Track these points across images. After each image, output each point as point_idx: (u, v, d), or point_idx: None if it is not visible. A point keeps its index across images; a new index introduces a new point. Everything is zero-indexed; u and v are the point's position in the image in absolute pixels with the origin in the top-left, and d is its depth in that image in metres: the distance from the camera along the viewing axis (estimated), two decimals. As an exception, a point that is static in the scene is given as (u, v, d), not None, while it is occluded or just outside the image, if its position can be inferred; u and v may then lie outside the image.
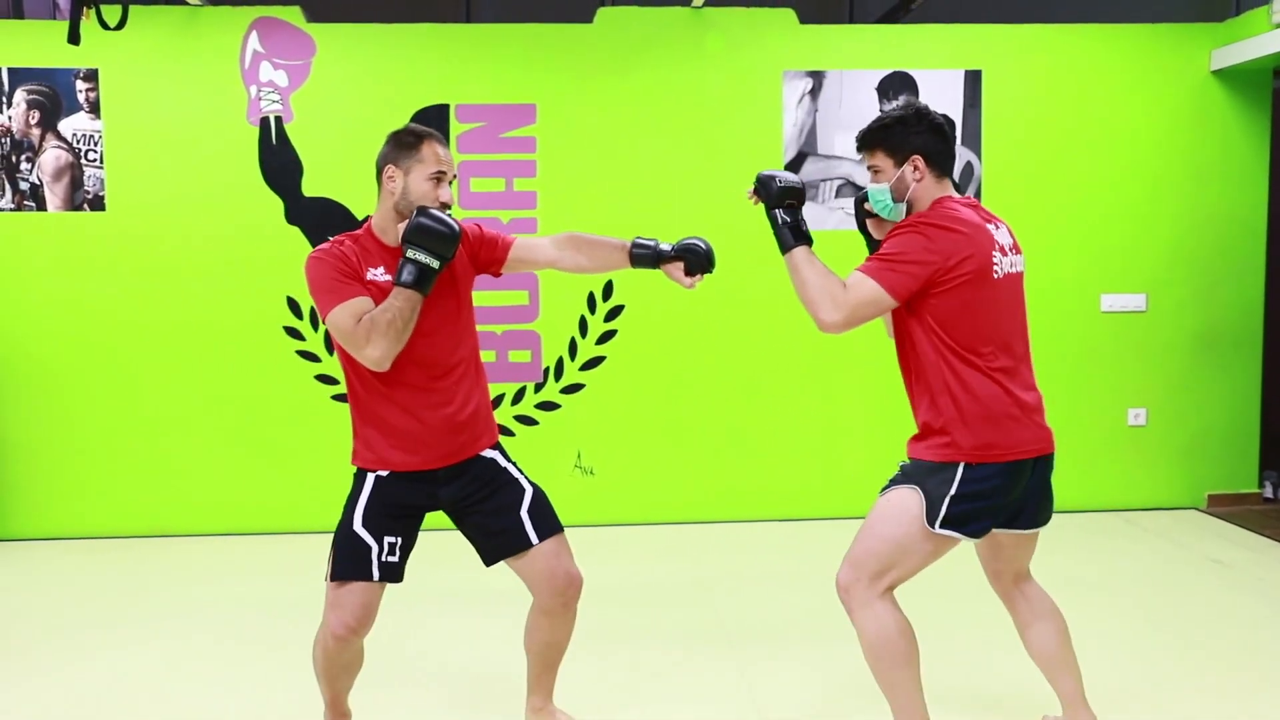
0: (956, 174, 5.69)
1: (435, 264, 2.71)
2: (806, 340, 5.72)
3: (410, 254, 2.71)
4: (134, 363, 5.54)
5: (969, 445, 2.67)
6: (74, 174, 5.47)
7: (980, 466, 2.67)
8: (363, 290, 2.74)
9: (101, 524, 5.57)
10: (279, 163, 5.51)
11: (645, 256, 3.01)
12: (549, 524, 2.94)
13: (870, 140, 2.82)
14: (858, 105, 5.65)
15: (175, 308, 5.53)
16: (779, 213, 2.82)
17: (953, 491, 2.66)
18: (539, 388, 5.69)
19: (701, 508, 5.75)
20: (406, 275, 2.71)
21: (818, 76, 5.64)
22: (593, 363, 5.69)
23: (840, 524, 5.65)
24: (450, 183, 2.87)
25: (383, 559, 2.81)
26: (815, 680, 3.59)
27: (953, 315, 2.66)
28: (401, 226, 2.80)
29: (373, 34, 5.54)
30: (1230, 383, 5.91)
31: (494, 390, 5.66)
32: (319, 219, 5.50)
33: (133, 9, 4.92)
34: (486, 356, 5.64)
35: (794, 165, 5.65)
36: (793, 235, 2.79)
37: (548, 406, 5.70)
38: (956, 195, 2.79)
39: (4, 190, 5.45)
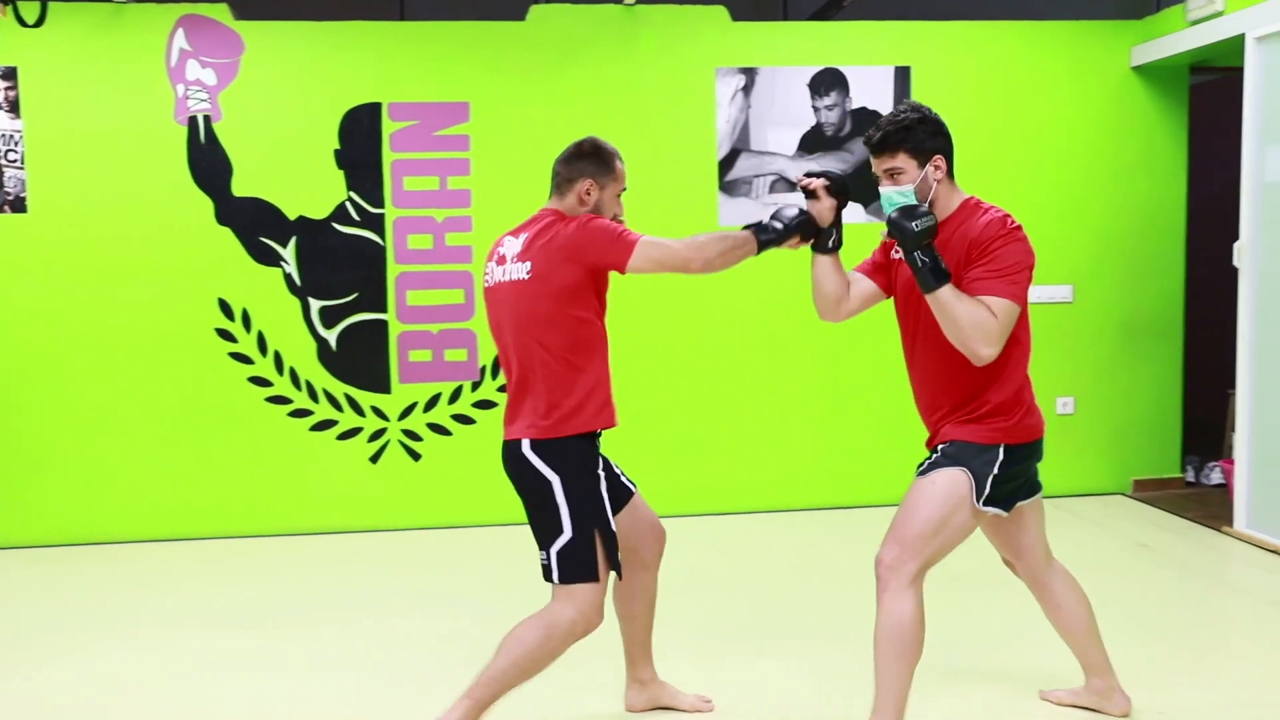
0: (887, 169, 5.77)
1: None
2: (745, 330, 5.77)
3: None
4: (62, 367, 5.42)
5: (1013, 427, 2.83)
6: (-6, 175, 5.33)
7: (1019, 446, 2.84)
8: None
9: (31, 532, 5.44)
10: (208, 162, 5.43)
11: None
12: (629, 479, 3.15)
13: (891, 142, 2.82)
14: (789, 101, 5.71)
15: (103, 311, 5.42)
16: (918, 255, 2.74)
17: (995, 472, 2.80)
18: (476, 386, 5.67)
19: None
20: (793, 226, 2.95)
21: (750, 73, 5.69)
22: (530, 360, 5.68)
23: (787, 516, 5.73)
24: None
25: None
26: (795, 676, 3.62)
27: (1021, 306, 2.79)
28: None
29: (303, 31, 5.48)
30: (1154, 371, 6.06)
31: (430, 390, 5.64)
32: (250, 219, 5.43)
33: (52, 6, 4.83)
34: (423, 356, 5.63)
35: (728, 162, 5.69)
36: (934, 277, 2.73)
37: (485, 405, 5.68)
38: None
39: (-79, 192, 5.30)
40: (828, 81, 5.73)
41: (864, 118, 5.74)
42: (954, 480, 2.80)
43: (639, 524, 3.13)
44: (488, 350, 5.64)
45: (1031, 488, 3.00)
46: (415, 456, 5.65)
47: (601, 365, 2.93)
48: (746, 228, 2.97)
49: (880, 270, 3.05)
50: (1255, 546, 4.97)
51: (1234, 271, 5.18)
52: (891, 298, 3.03)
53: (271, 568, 5.03)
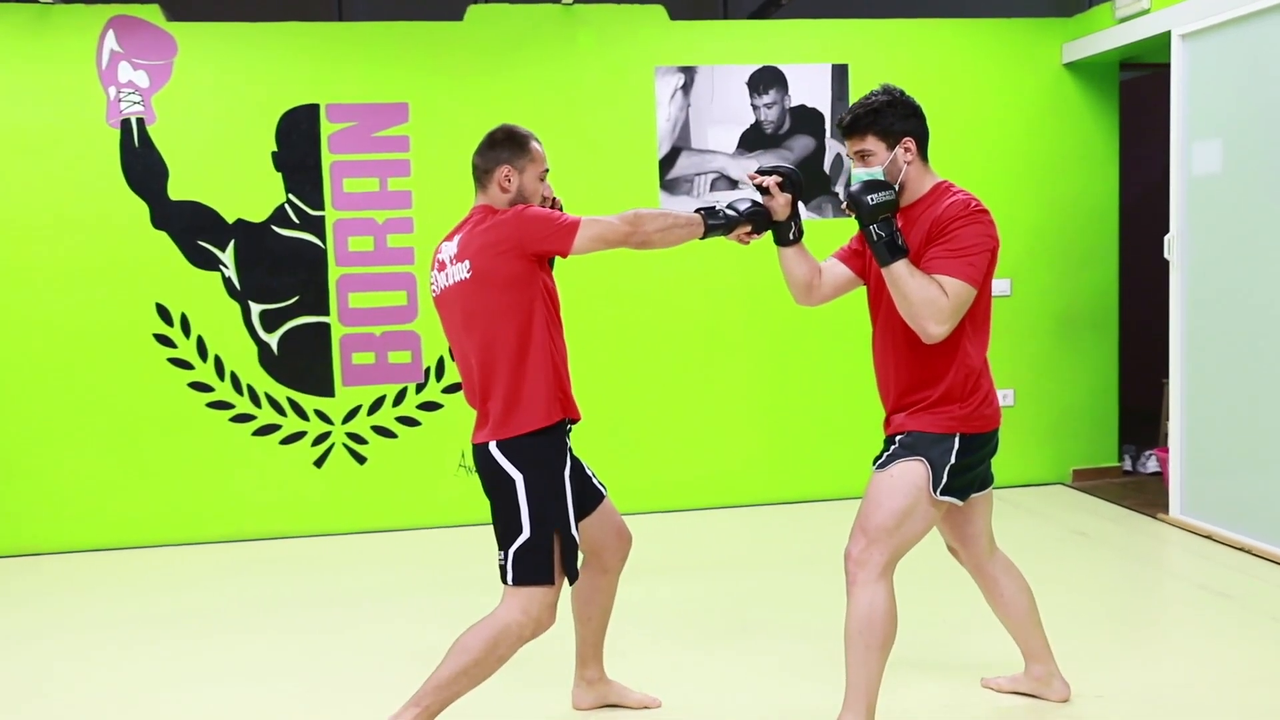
0: (826, 166, 5.83)
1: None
2: (687, 326, 5.79)
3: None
4: (-7, 376, 5.31)
5: (969, 416, 2.84)
6: (-79, 181, 5.21)
7: (975, 436, 2.85)
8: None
9: (-37, 545, 5.34)
10: (143, 166, 5.35)
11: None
12: (600, 481, 3.13)
13: (861, 124, 2.85)
14: (729, 100, 5.74)
15: (38, 316, 5.32)
16: (874, 229, 2.77)
17: (952, 461, 2.81)
18: (420, 388, 5.64)
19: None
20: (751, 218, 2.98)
21: (689, 72, 5.72)
22: (474, 362, 5.66)
23: (745, 511, 5.75)
24: None
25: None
26: (742, 666, 3.64)
27: (980, 293, 2.80)
28: None
29: (238, 33, 5.41)
30: (1090, 363, 6.18)
31: (374, 392, 5.60)
32: (187, 223, 5.35)
33: (-21, 8, 4.73)
34: (366, 358, 5.58)
35: (668, 160, 5.71)
36: (889, 251, 2.75)
37: (430, 407, 5.65)
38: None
39: None
40: (766, 80, 5.77)
41: (803, 115, 5.79)
42: (912, 471, 2.82)
43: (606, 528, 3.12)
44: (431, 352, 5.61)
45: (985, 479, 3.03)
46: (360, 460, 5.60)
47: (555, 356, 2.88)
48: (699, 210, 2.96)
49: (856, 256, 3.09)
50: (1189, 533, 5.08)
51: (1165, 263, 5.29)
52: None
53: (215, 574, 4.97)
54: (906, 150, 2.85)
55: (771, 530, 5.45)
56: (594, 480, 3.10)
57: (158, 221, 5.37)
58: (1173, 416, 5.26)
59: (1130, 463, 6.37)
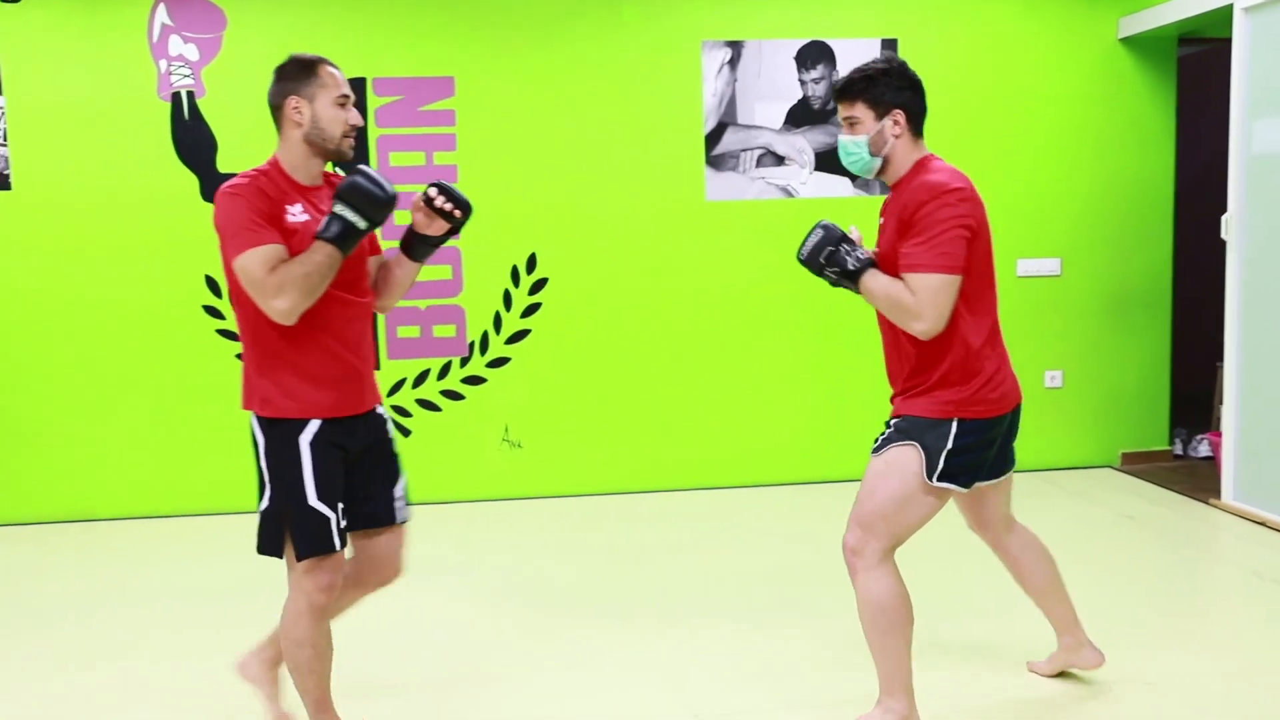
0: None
1: (363, 225, 2.61)
2: (731, 306, 5.76)
3: (340, 210, 2.59)
4: (48, 345, 5.40)
5: (966, 400, 2.72)
6: (-24, 152, 5.29)
7: (974, 422, 2.73)
8: (278, 236, 2.56)
9: (18, 510, 5.44)
10: (192, 139, 5.39)
11: (416, 246, 2.88)
12: (406, 510, 2.89)
13: (852, 90, 2.78)
14: (776, 75, 5.68)
15: (89, 288, 5.40)
16: (829, 274, 2.80)
17: (949, 446, 2.71)
18: (464, 362, 5.66)
19: (630, 478, 5.78)
20: (332, 231, 2.58)
21: (736, 46, 5.66)
22: (518, 336, 5.67)
23: (769, 490, 5.74)
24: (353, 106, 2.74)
25: (340, 526, 2.67)
26: (751, 648, 3.63)
27: (968, 272, 2.69)
28: (314, 161, 2.71)
29: (286, 6, 5.43)
30: (1142, 344, 6.07)
31: (419, 366, 5.62)
32: (235, 196, 5.38)
33: (33, -19, 4.77)
34: (411, 332, 5.61)
35: (714, 136, 5.67)
36: (849, 279, 2.77)
37: (474, 381, 5.67)
38: (933, 154, 2.80)
39: (-98, 170, 5.26)
40: (814, 54, 5.70)
41: (852, 91, 5.71)
42: (904, 457, 2.75)
43: (375, 556, 2.87)
44: (476, 326, 5.63)
45: (997, 467, 2.91)
46: (405, 432, 5.64)
47: (290, 352, 2.63)
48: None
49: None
50: (1242, 519, 4.99)
51: (1222, 244, 5.18)
52: None
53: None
54: (895, 123, 2.75)
55: (807, 509, 5.42)
56: (396, 504, 2.86)
57: (207, 194, 5.41)
58: (1226, 400, 5.17)
59: (1181, 446, 6.27)
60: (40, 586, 4.50)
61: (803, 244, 2.82)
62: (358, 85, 5.45)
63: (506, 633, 3.80)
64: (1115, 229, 5.98)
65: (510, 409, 5.71)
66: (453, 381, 5.67)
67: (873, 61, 2.83)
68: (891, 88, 2.76)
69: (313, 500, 2.62)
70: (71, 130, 5.33)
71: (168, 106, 5.37)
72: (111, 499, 5.50)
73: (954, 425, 2.72)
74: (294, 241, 2.60)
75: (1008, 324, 5.82)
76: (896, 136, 2.76)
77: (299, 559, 2.64)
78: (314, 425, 2.63)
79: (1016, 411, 2.88)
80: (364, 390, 2.76)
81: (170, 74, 5.36)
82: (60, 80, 5.31)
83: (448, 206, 2.80)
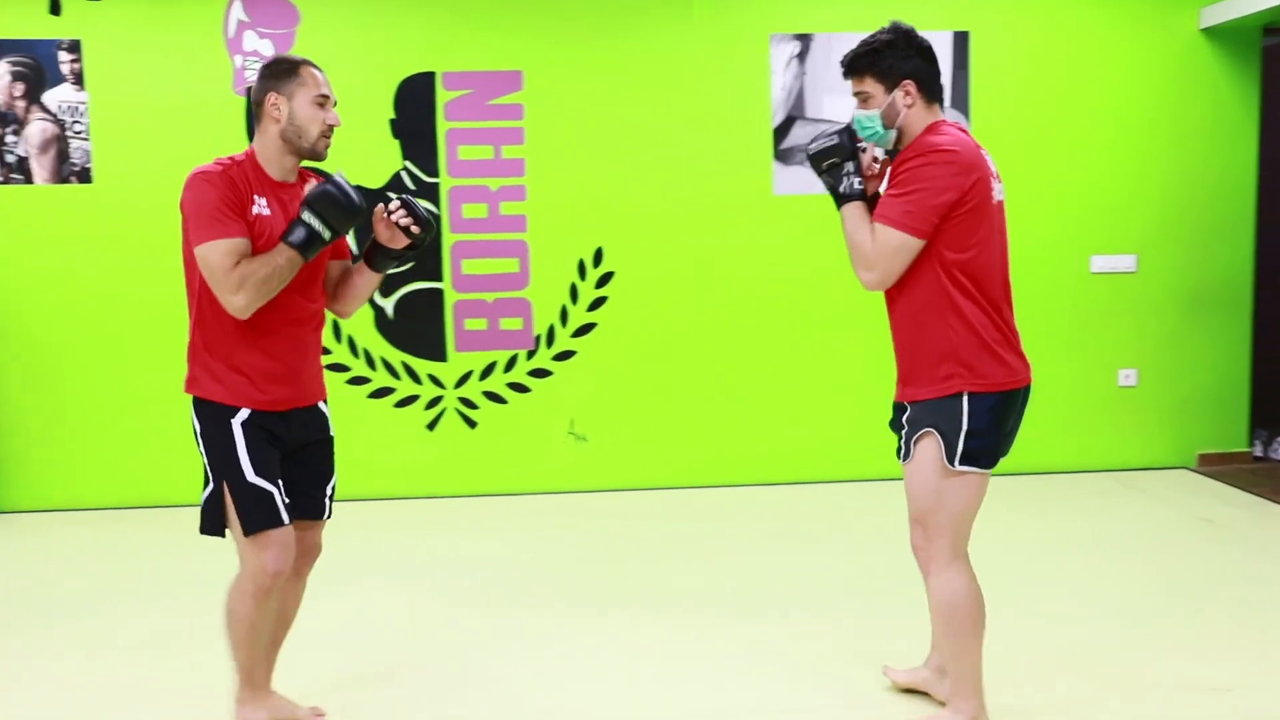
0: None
1: (328, 235, 2.68)
2: (798, 301, 5.73)
3: (307, 218, 2.66)
4: (122, 335, 5.53)
5: (971, 376, 2.66)
6: (60, 146, 5.43)
7: (984, 396, 2.66)
8: (245, 229, 2.64)
9: (92, 496, 5.59)
10: (266, 133, 5.47)
11: (377, 257, 2.93)
12: (332, 504, 3.05)
13: (859, 65, 2.75)
14: (847, 68, 5.62)
15: (163, 280, 5.49)
16: (824, 177, 2.81)
17: (965, 427, 2.66)
18: (531, 355, 5.70)
19: (695, 473, 5.77)
20: (296, 237, 2.65)
21: (805, 39, 5.62)
22: (584, 329, 5.69)
23: (833, 487, 5.69)
24: (334, 107, 2.82)
25: (284, 499, 2.77)
26: (818, 645, 3.61)
27: (961, 243, 2.63)
28: (288, 158, 2.77)
29: (358, 2, 5.50)
30: (1220, 342, 5.92)
31: (486, 359, 5.67)
32: (307, 189, 5.47)
33: (115, -22, 4.88)
34: (478, 325, 5.66)
35: (783, 129, 5.63)
36: (836, 198, 2.77)
37: (540, 374, 5.71)
38: (948, 120, 2.75)
39: (-10, 164, 5.42)
40: (886, 47, 5.63)
41: (923, 84, 5.64)
42: (925, 451, 2.72)
43: (302, 550, 2.99)
44: (543, 319, 5.66)
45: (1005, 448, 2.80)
46: (471, 424, 5.69)
47: (229, 343, 2.71)
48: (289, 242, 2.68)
49: None
50: (1323, 522, 4.86)
51: (1305, 240, 5.03)
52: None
53: (328, 533, 5.09)
54: (906, 94, 2.70)
55: (838, 507, 5.37)
56: (325, 500, 3.02)
57: (280, 188, 5.50)
58: (1309, 401, 5.02)
59: (1261, 448, 6.11)
60: (122, 568, 4.61)
61: (815, 139, 2.82)
62: (426, 79, 5.51)
63: (563, 623, 3.82)
64: (1194, 225, 5.83)
65: (576, 402, 5.73)
66: (519, 374, 5.70)
67: (878, 33, 2.77)
68: (899, 57, 2.71)
69: (251, 477, 2.71)
70: (149, 125, 5.45)
71: (243, 102, 5.47)
72: (182, 487, 5.59)
73: (964, 401, 2.66)
74: (252, 234, 2.67)
75: (1080, 321, 5.80)
76: (909, 106, 2.72)
77: (246, 534, 2.74)
78: (245, 412, 2.73)
79: (1026, 392, 2.76)
80: (302, 388, 2.85)
81: (245, 69, 5.46)
82: (139, 76, 5.43)
83: (404, 221, 2.85)
